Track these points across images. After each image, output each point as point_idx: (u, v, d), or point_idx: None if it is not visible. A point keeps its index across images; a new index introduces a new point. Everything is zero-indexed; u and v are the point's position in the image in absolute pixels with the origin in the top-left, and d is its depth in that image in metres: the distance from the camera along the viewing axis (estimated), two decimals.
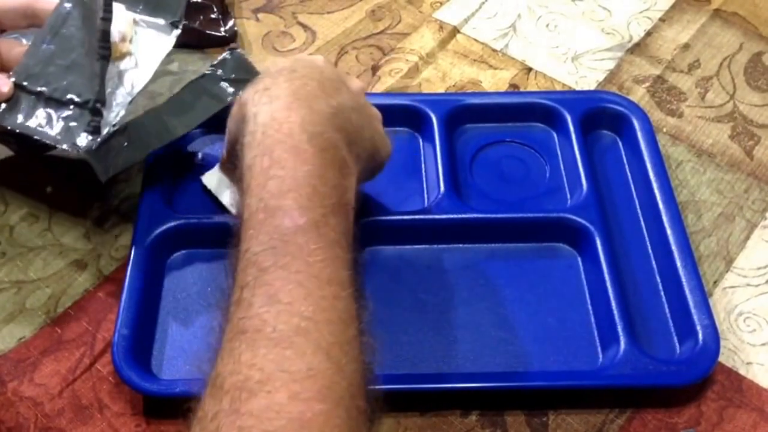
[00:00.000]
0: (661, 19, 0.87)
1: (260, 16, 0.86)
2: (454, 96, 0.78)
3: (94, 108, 0.61)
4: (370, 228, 0.66)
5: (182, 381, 0.58)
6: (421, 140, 0.74)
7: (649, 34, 0.86)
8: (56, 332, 0.62)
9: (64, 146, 0.60)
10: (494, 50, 0.84)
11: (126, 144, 0.63)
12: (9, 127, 0.62)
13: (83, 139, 0.60)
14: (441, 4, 0.88)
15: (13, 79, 0.62)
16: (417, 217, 0.67)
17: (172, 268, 0.65)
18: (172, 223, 0.65)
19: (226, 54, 0.68)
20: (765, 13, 0.88)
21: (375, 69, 0.81)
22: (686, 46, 0.84)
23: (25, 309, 0.63)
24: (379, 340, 0.61)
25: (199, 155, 0.72)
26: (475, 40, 0.85)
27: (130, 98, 0.64)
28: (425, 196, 0.70)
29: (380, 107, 0.75)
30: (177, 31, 0.68)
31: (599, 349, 0.61)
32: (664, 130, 0.77)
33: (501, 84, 0.80)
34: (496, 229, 0.67)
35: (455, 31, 0.85)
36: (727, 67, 0.82)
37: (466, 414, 0.59)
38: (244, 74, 0.67)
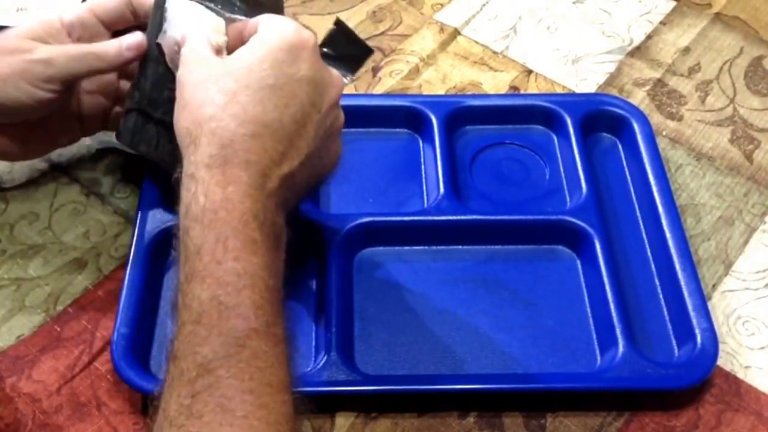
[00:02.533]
0: (662, 23, 0.87)
1: None
2: (455, 98, 0.78)
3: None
4: (369, 229, 0.66)
5: None
6: (421, 142, 0.74)
7: (649, 37, 0.86)
8: (55, 330, 0.62)
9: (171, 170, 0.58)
10: (495, 52, 0.84)
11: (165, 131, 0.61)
12: (144, 153, 0.62)
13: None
14: (442, 5, 0.88)
15: (143, 38, 0.59)
16: (416, 218, 0.67)
17: (172, 267, 0.65)
18: (172, 223, 0.65)
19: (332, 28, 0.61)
20: (766, 17, 0.88)
21: (375, 70, 0.81)
22: (687, 50, 0.84)
23: (25, 307, 0.63)
24: (377, 341, 0.61)
25: None
26: (476, 42, 0.85)
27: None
28: (425, 197, 0.70)
29: (380, 108, 0.76)
30: None
31: (597, 351, 0.61)
32: (664, 133, 0.77)
33: (501, 86, 0.80)
34: (496, 230, 0.67)
35: (456, 32, 0.85)
36: (728, 70, 0.82)
37: (463, 416, 0.59)
38: (353, 50, 0.62)
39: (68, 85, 0.59)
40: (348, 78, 0.59)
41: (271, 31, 0.53)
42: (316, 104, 0.53)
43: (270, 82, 0.51)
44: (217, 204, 0.47)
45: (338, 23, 0.61)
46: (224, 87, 0.50)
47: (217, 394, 0.42)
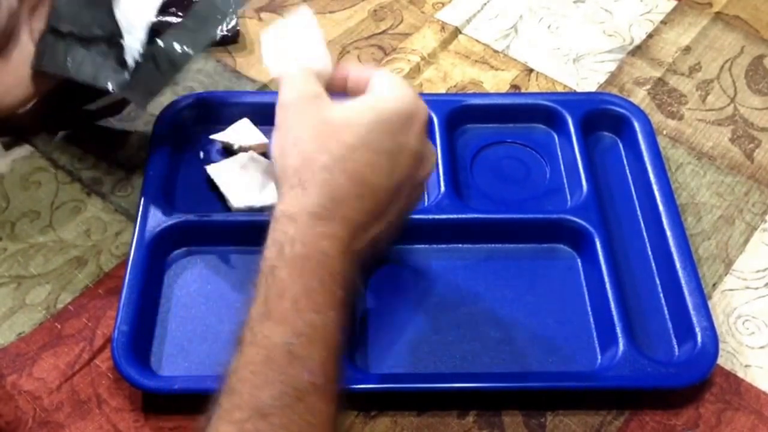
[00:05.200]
0: (663, 22, 0.87)
1: (263, 15, 0.86)
2: (456, 96, 0.78)
3: (116, 42, 0.61)
4: None
5: (181, 377, 0.58)
6: None
7: (650, 36, 0.86)
8: (56, 327, 0.62)
9: (100, 85, 0.60)
10: (496, 51, 0.84)
11: (155, 69, 0.62)
12: (53, 72, 0.62)
13: (114, 77, 0.60)
14: (443, 4, 0.88)
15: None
16: (417, 216, 0.67)
17: (172, 265, 0.65)
18: (173, 221, 0.65)
19: None
20: (766, 16, 0.88)
21: None
22: (687, 49, 0.84)
23: (25, 304, 0.63)
24: (377, 339, 0.61)
25: (201, 153, 0.72)
26: (477, 40, 0.85)
27: (149, 21, 0.63)
28: (425, 195, 0.70)
29: None
30: None
31: (598, 350, 0.61)
32: (665, 132, 0.77)
33: (502, 85, 0.80)
34: (496, 229, 0.67)
35: (457, 31, 0.85)
36: (728, 70, 0.82)
37: (463, 414, 0.59)
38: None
39: None
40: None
41: (390, 92, 0.53)
42: (415, 176, 0.53)
43: (385, 147, 0.51)
44: (313, 254, 0.48)
45: None
46: (342, 140, 0.50)
47: None
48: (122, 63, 0.61)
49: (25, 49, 0.63)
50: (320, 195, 0.49)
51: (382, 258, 0.64)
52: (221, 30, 0.66)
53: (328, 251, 0.48)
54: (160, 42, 0.63)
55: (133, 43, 0.62)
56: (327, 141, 0.50)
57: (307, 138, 0.51)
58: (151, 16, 0.63)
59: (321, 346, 0.46)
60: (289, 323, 0.46)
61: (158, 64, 0.63)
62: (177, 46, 0.63)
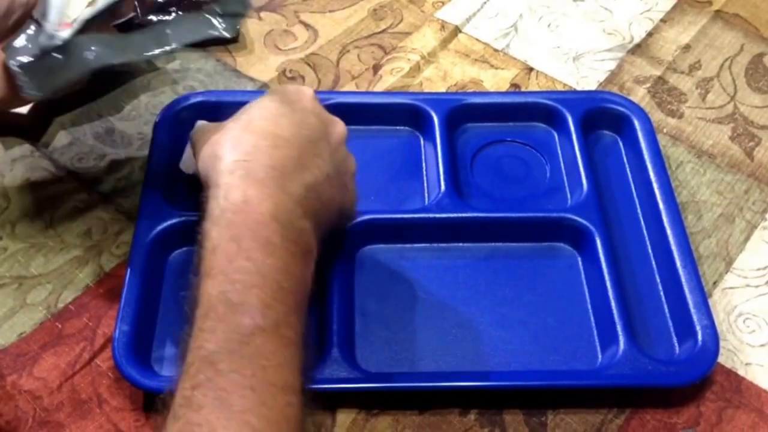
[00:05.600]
0: (662, 20, 0.87)
1: (263, 14, 0.86)
2: (456, 95, 0.78)
3: (38, 22, 0.57)
4: (370, 227, 0.66)
5: None
6: (422, 139, 0.74)
7: (650, 34, 0.86)
8: (56, 327, 0.62)
9: (9, 62, 0.55)
10: (495, 50, 0.84)
11: (64, 60, 0.57)
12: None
13: (18, 53, 0.56)
14: (443, 3, 0.88)
15: None
16: (417, 215, 0.67)
17: (173, 265, 0.65)
18: (173, 221, 0.65)
19: None
20: (766, 14, 0.88)
21: (376, 68, 0.81)
22: (687, 47, 0.84)
23: (26, 304, 0.63)
24: (378, 338, 0.61)
25: None
26: (477, 39, 0.85)
27: (91, 12, 0.58)
28: (426, 195, 0.70)
29: (381, 106, 0.75)
30: None
31: (598, 348, 0.61)
32: (665, 130, 0.77)
33: (502, 83, 0.80)
34: (497, 228, 0.67)
35: (457, 30, 0.85)
36: (728, 68, 0.83)
37: (464, 413, 0.59)
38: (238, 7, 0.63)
39: None
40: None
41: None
42: (325, 134, 0.56)
43: (282, 111, 0.54)
44: (236, 206, 0.49)
45: None
46: (239, 117, 0.54)
47: (217, 387, 0.43)
48: (30, 42, 0.56)
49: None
50: (234, 152, 0.51)
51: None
52: (162, 49, 0.61)
53: (252, 200, 0.49)
54: (82, 38, 0.58)
55: (55, 29, 0.57)
56: (228, 123, 0.54)
57: (214, 127, 0.55)
58: (99, 7, 0.58)
59: (259, 291, 0.46)
60: (223, 274, 0.46)
61: (72, 57, 0.58)
62: (95, 49, 0.58)
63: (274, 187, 0.50)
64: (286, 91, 0.57)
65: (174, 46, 0.61)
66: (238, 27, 0.59)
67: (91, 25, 0.59)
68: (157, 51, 0.60)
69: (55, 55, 0.57)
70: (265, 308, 0.46)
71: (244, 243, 0.47)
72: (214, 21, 0.62)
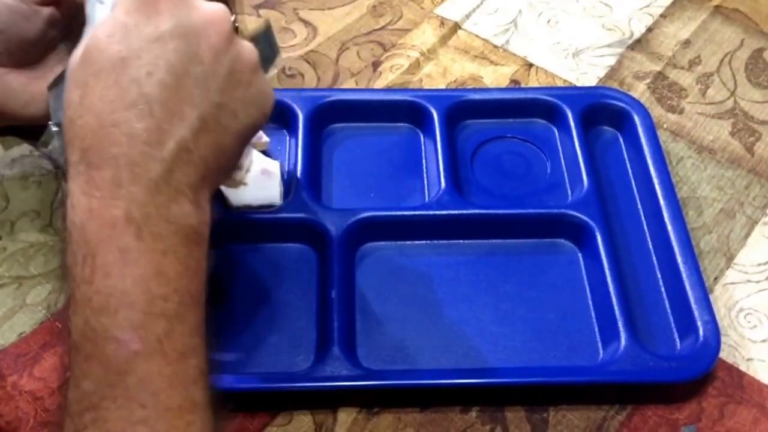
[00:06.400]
0: (662, 15, 0.87)
1: (261, 12, 0.86)
2: (455, 92, 0.78)
3: None
4: (370, 224, 0.66)
5: None
6: (422, 136, 0.74)
7: (649, 30, 0.86)
8: (57, 327, 0.62)
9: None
10: (495, 46, 0.84)
11: None
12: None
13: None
14: (442, 0, 0.88)
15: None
16: (417, 212, 0.67)
17: None
18: None
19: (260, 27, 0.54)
20: (766, 9, 0.88)
21: (376, 65, 0.81)
22: (687, 43, 0.84)
23: (26, 304, 0.63)
24: (378, 336, 0.61)
25: None
26: (476, 36, 0.85)
27: None
28: (426, 191, 0.70)
29: (381, 103, 0.75)
30: None
31: (600, 345, 0.61)
32: (665, 126, 0.77)
33: (502, 80, 0.80)
34: (497, 224, 0.67)
35: (456, 27, 0.85)
36: (728, 63, 0.82)
37: (466, 410, 0.59)
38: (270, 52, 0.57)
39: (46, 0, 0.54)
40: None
41: None
42: (193, 57, 0.43)
43: (122, 56, 0.41)
44: (83, 216, 0.40)
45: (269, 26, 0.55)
46: (77, 78, 0.42)
47: (104, 429, 0.38)
48: None
49: (58, 66, 0.58)
50: (73, 150, 0.42)
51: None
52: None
53: (96, 206, 0.40)
54: None
55: None
56: (68, 89, 0.43)
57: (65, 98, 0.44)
58: None
59: (127, 311, 0.39)
60: (84, 300, 0.40)
61: None
62: None
63: (121, 181, 0.40)
64: (133, 3, 0.43)
65: None
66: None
67: None
68: None
69: None
70: (138, 329, 0.39)
71: (100, 258, 0.40)
72: None
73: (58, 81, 0.50)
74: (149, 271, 0.40)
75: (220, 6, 0.45)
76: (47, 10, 0.55)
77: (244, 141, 0.47)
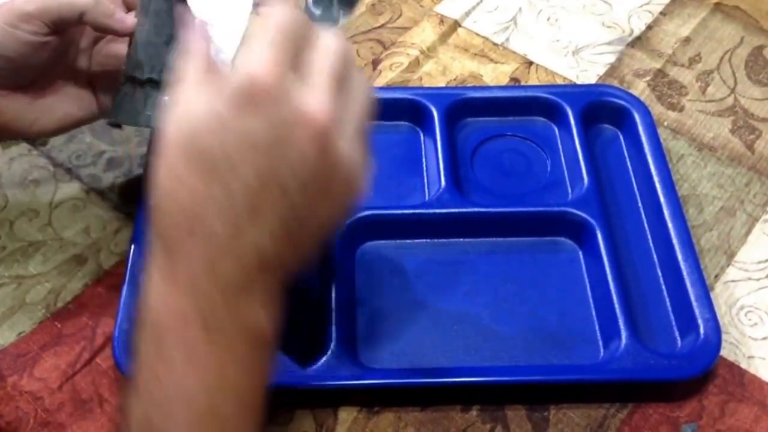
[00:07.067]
0: (662, 13, 0.87)
1: (261, 10, 0.86)
2: (455, 90, 0.78)
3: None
4: (370, 222, 0.66)
5: None
6: (421, 134, 0.74)
7: (649, 27, 0.85)
8: (56, 327, 0.62)
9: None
10: (495, 44, 0.83)
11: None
12: (132, 125, 0.59)
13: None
14: None
15: (134, 19, 0.56)
16: (418, 211, 0.67)
17: None
18: None
19: None
20: (766, 6, 0.87)
21: (376, 63, 0.81)
22: (687, 40, 0.84)
23: (25, 304, 0.63)
24: (379, 335, 0.61)
25: None
26: (476, 33, 0.85)
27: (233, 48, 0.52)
28: (426, 190, 0.70)
29: (381, 101, 0.74)
30: None
31: (600, 343, 0.61)
32: (665, 124, 0.77)
33: (502, 78, 0.80)
34: (497, 223, 0.67)
35: (456, 24, 0.85)
36: (728, 60, 0.82)
37: (466, 409, 0.59)
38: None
39: (55, 30, 0.57)
40: (344, 17, 0.52)
41: (239, 66, 0.41)
42: (282, 163, 0.40)
43: (214, 153, 0.39)
44: (157, 301, 0.41)
45: None
46: (170, 165, 0.41)
47: None
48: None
49: (71, 90, 0.62)
50: (155, 237, 0.42)
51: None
52: None
53: (167, 295, 0.41)
54: None
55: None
56: (158, 167, 0.42)
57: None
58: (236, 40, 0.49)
59: (186, 411, 0.40)
60: (146, 392, 0.41)
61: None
62: None
63: (202, 277, 0.40)
64: (235, 94, 0.40)
65: None
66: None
67: None
68: None
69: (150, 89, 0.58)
70: (192, 428, 0.40)
71: (166, 349, 0.40)
72: None
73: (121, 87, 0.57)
74: (213, 373, 0.40)
75: (317, 99, 0.41)
76: (54, 40, 0.58)
77: (323, 239, 0.44)
